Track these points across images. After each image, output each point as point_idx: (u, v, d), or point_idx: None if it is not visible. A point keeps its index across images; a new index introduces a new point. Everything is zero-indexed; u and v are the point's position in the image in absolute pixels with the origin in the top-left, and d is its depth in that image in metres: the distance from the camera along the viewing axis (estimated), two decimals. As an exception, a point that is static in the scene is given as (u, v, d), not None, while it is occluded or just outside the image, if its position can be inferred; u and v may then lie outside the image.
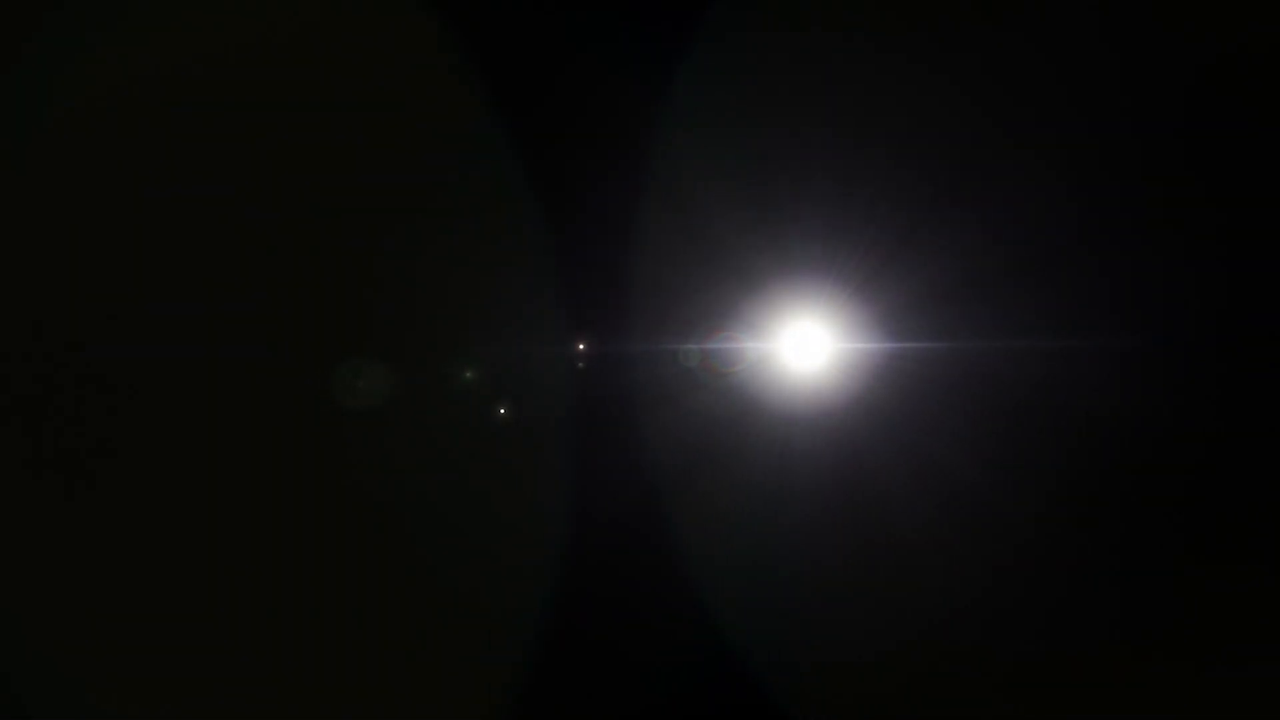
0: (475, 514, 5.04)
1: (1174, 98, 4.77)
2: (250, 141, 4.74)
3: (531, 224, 4.87)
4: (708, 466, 4.93)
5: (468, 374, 5.08)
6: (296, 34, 4.69)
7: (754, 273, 4.87)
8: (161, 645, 4.69)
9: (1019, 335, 4.81)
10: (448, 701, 4.94)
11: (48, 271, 4.72)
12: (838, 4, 4.73)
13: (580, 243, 4.85)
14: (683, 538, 4.95)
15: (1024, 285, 4.82)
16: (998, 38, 4.76)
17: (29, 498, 4.73)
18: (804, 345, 5.01)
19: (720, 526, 4.94)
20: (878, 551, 4.87)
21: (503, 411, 5.06)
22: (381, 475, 5.01)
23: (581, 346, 5.01)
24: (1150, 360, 4.82)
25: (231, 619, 4.80)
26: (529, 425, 5.07)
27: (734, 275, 4.85)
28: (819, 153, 4.75)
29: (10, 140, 4.59)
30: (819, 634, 4.88)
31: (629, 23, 4.72)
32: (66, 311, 4.77)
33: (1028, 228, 4.82)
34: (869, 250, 4.78)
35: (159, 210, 4.76)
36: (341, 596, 4.94)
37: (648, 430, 4.94)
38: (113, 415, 4.86)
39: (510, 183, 4.88)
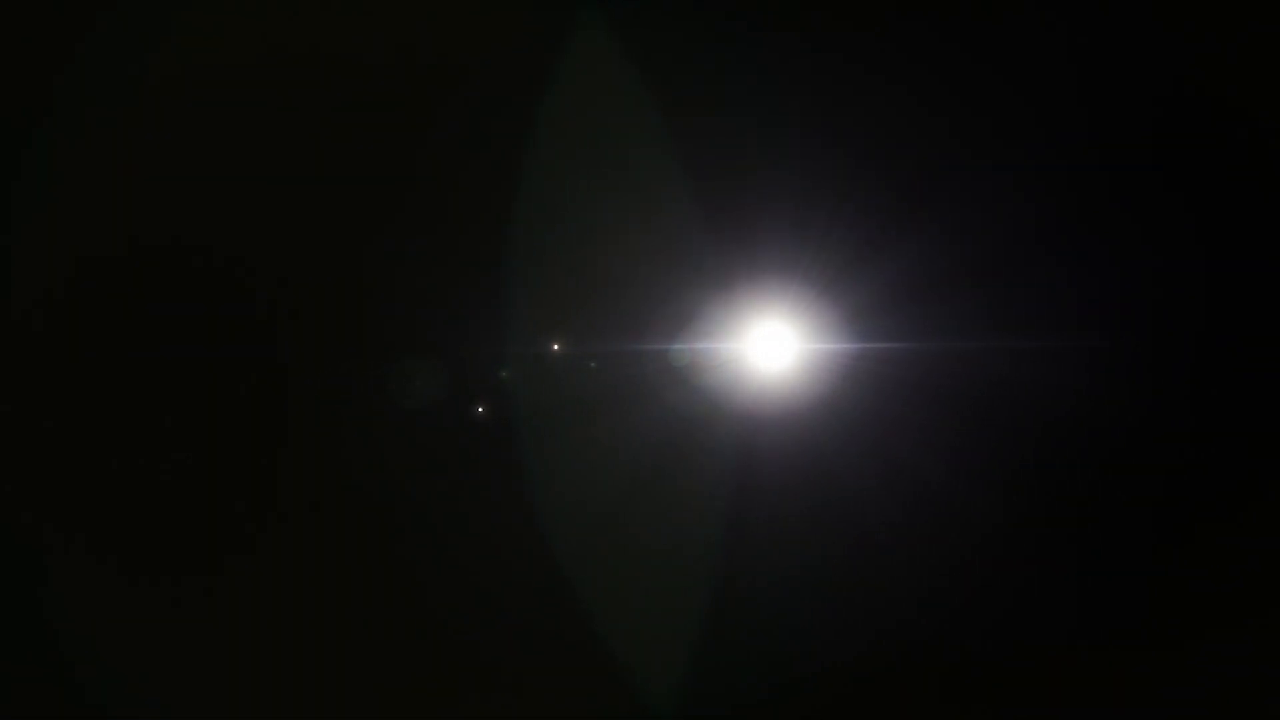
0: (464, 515, 5.12)
1: (1141, 98, 4.74)
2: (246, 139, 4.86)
3: (507, 223, 4.96)
4: (673, 468, 4.96)
5: (450, 373, 5.16)
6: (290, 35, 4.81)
7: (718, 272, 4.90)
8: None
9: (988, 335, 4.80)
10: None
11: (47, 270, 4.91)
12: (807, 2, 4.77)
13: (551, 242, 4.93)
14: (646, 539, 4.98)
15: (993, 285, 4.81)
16: (969, 36, 4.76)
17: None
18: (770, 346, 5.02)
19: (683, 528, 4.97)
20: (845, 552, 4.87)
21: (480, 410, 5.15)
22: (375, 476, 5.10)
23: (555, 346, 5.09)
24: (1120, 360, 4.78)
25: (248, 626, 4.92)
26: (506, 424, 5.14)
27: (698, 275, 4.89)
28: (785, 151, 4.79)
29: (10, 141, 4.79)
30: (786, 636, 4.88)
31: (602, 15, 4.78)
32: (64, 311, 4.95)
33: (997, 227, 4.81)
34: (836, 249, 4.80)
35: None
36: (337, 598, 5.03)
37: (613, 431, 4.99)
38: (111, 415, 5.02)
39: (493, 180, 4.96)
